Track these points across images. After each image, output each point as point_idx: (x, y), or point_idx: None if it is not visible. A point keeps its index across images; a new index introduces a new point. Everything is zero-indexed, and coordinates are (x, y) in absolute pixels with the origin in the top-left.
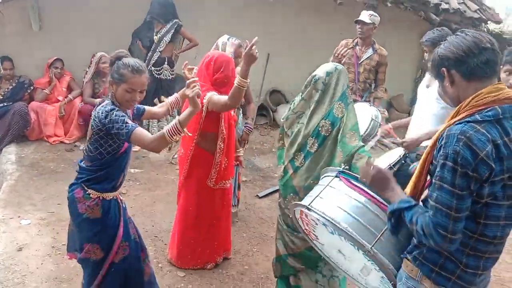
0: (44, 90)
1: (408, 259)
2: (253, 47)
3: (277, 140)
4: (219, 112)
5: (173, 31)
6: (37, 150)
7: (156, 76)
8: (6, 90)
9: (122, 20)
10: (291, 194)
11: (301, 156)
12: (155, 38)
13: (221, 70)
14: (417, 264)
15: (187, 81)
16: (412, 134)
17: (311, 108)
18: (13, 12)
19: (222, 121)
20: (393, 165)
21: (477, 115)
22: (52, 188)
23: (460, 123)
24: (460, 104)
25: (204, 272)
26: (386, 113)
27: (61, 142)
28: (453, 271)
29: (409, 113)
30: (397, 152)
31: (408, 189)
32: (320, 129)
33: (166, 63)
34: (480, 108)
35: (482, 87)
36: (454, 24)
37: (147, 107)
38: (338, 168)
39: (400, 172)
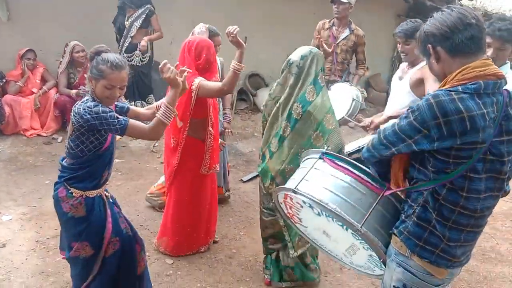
0: (17, 83)
1: (395, 234)
2: (234, 35)
3: (262, 128)
4: (209, 97)
5: (144, 16)
6: (14, 145)
7: (128, 63)
8: None
9: (94, 7)
10: (269, 179)
11: (275, 141)
12: (126, 23)
13: (204, 55)
14: (402, 238)
15: (160, 65)
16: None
17: (286, 92)
18: None
19: (211, 106)
20: (351, 153)
21: (459, 87)
22: (32, 182)
23: (440, 90)
24: (447, 77)
25: (193, 257)
26: (364, 92)
27: (38, 135)
28: (436, 244)
29: (387, 92)
30: (368, 139)
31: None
32: (292, 112)
33: (137, 49)
34: (465, 82)
35: (467, 62)
36: (429, 1)
37: (131, 107)
38: (321, 149)
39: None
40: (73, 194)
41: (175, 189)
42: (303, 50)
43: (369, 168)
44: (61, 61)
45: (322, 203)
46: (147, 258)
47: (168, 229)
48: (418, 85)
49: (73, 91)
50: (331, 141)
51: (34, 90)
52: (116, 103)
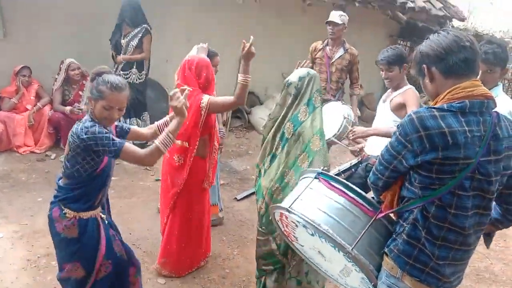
0: (12, 99)
1: (386, 254)
2: (251, 46)
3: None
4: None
5: (140, 35)
6: (7, 161)
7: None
8: None
9: (89, 24)
10: (261, 197)
11: (268, 159)
12: (123, 42)
13: (204, 74)
14: (392, 256)
15: (171, 93)
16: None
17: (283, 113)
18: None
19: (216, 122)
20: (342, 172)
21: (444, 105)
22: (25, 200)
23: (422, 107)
24: (438, 97)
25: (185, 278)
26: (358, 111)
27: (32, 152)
28: (426, 262)
29: None
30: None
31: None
32: (285, 131)
33: (134, 67)
34: (453, 101)
35: (459, 83)
36: (420, 22)
37: (132, 127)
38: (317, 169)
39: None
40: (67, 214)
41: (180, 208)
42: (301, 71)
43: (365, 191)
44: (56, 78)
45: (314, 224)
46: None
47: (173, 250)
48: (399, 108)
49: (68, 108)
50: (314, 164)
51: (28, 107)
52: (116, 123)
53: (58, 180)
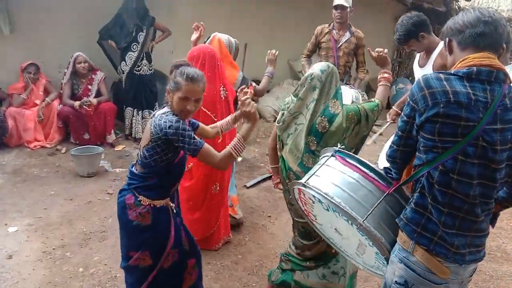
0: (21, 95)
1: (398, 225)
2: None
3: (279, 146)
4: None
5: (148, 27)
6: (18, 157)
7: (136, 72)
8: None
9: (96, 19)
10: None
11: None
12: (138, 37)
13: (219, 63)
14: (401, 225)
15: (242, 98)
16: None
17: (312, 107)
18: None
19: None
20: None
21: (452, 71)
22: (37, 194)
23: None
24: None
25: None
26: (365, 95)
27: (42, 146)
28: (434, 231)
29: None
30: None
31: None
32: (317, 126)
33: (144, 58)
34: (462, 68)
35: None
36: (426, 3)
37: (201, 124)
38: (334, 148)
39: None
40: (142, 202)
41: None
42: (321, 65)
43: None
44: (65, 72)
45: (327, 197)
46: None
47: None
48: (442, 70)
49: (77, 103)
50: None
51: (37, 101)
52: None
53: (132, 167)
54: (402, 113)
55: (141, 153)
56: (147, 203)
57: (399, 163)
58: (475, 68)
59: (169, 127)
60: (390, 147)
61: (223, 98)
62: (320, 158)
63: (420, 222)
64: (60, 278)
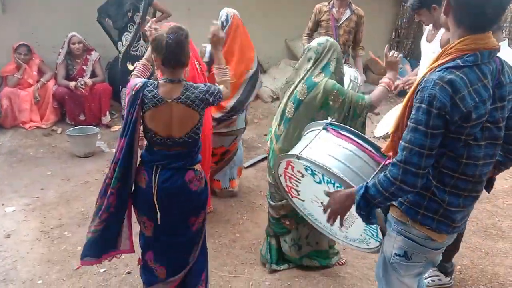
0: (16, 75)
1: (395, 205)
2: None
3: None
4: None
5: (145, 7)
6: (14, 137)
7: (132, 53)
8: None
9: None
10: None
11: (281, 123)
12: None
13: None
14: (403, 208)
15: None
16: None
17: (300, 76)
18: None
19: None
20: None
21: (458, 60)
22: (34, 174)
23: (439, 70)
24: (446, 46)
25: None
26: (364, 76)
27: (38, 127)
28: (436, 210)
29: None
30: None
31: (392, 129)
32: (298, 93)
33: (141, 38)
34: (464, 52)
35: (468, 35)
36: None
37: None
38: (325, 121)
39: None
40: (198, 169)
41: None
42: (320, 38)
43: None
44: (60, 52)
45: (325, 167)
46: None
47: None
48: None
49: (72, 83)
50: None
51: (30, 81)
52: None
53: (165, 152)
54: (423, 127)
55: (189, 135)
56: (200, 167)
57: (419, 187)
58: (479, 55)
59: (207, 90)
60: (405, 173)
61: (199, 70)
62: (304, 133)
63: (422, 204)
64: (59, 257)
